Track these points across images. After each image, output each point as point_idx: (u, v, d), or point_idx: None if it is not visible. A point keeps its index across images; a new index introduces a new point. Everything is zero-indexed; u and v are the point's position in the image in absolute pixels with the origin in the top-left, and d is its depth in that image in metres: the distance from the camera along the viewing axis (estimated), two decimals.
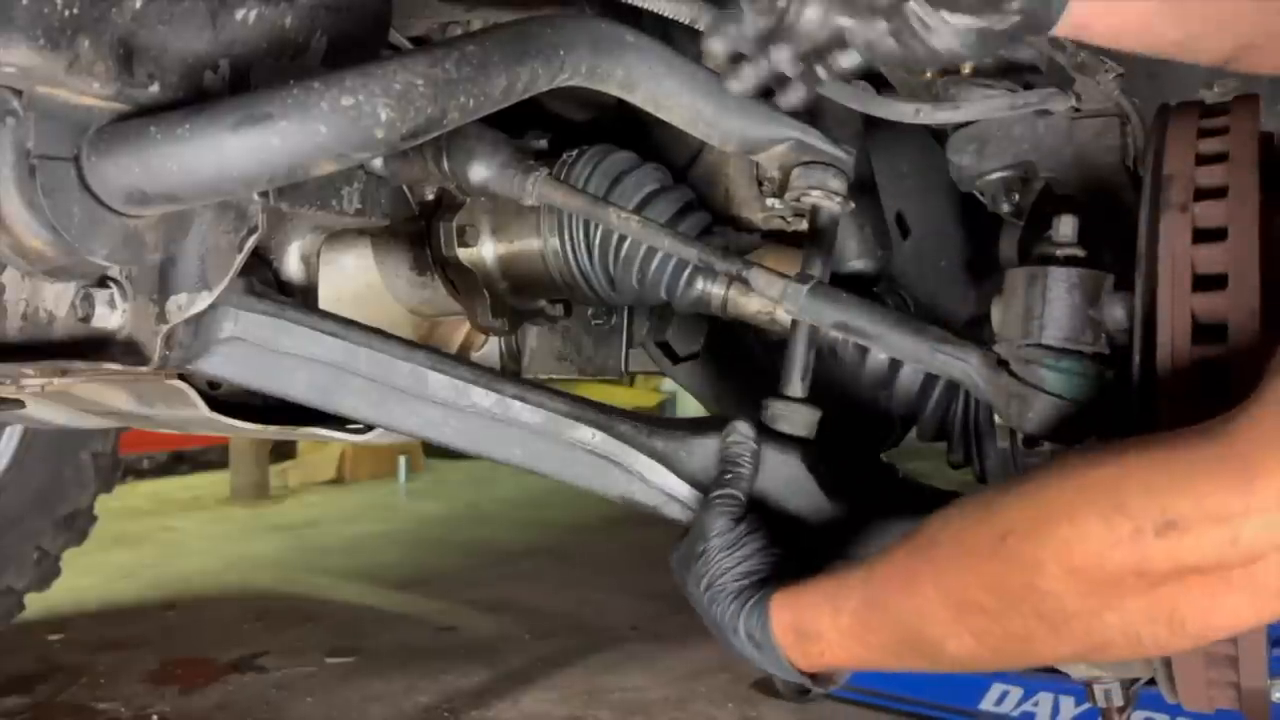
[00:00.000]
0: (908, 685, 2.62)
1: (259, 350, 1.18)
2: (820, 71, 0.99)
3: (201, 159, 0.90)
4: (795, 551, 1.16)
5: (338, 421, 1.48)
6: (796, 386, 1.26)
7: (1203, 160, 1.06)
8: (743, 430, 1.20)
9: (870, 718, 2.63)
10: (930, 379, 1.41)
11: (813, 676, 1.09)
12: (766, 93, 1.36)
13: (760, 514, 1.18)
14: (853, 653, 1.03)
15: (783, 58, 0.99)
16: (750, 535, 1.14)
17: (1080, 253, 1.08)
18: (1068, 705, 2.42)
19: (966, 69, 1.28)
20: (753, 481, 1.19)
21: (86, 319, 1.07)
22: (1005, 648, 0.92)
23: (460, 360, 1.25)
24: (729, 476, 1.18)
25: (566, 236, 1.47)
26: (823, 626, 1.04)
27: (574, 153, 1.47)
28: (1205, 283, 1.00)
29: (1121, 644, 0.88)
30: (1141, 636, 0.86)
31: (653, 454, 1.23)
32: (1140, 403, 1.02)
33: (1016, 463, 1.34)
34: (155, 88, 1.01)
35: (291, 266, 1.46)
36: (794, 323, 1.26)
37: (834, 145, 1.29)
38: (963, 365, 1.12)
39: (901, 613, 0.98)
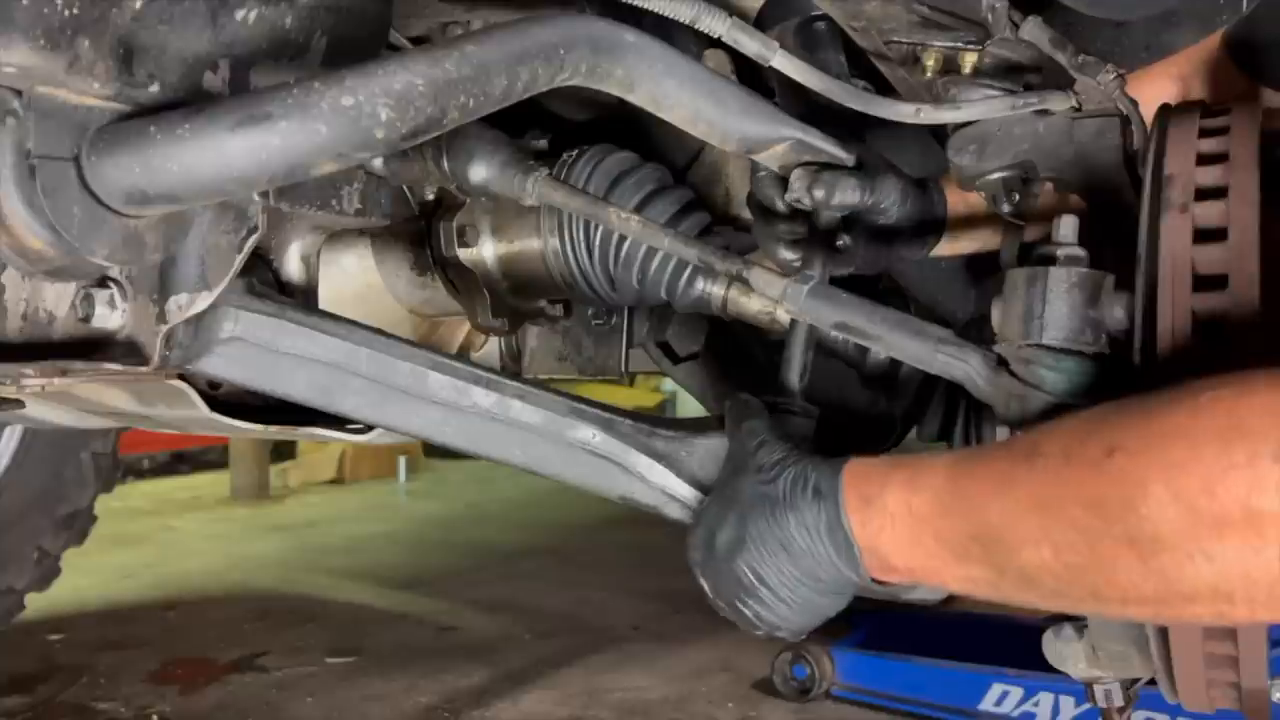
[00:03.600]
0: (908, 685, 2.62)
1: (259, 350, 1.18)
2: None
3: (201, 159, 0.90)
4: None
5: (338, 421, 1.48)
6: (795, 386, 1.26)
7: (1203, 160, 1.06)
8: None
9: (870, 717, 2.63)
10: (930, 379, 1.41)
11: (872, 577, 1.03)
12: (767, 91, 1.37)
13: None
14: (915, 539, 0.97)
15: None
16: (759, 414, 1.14)
17: (1080, 253, 1.08)
18: (1068, 705, 2.42)
19: (966, 69, 1.28)
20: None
21: (86, 319, 1.07)
22: (1084, 568, 0.87)
23: (460, 360, 1.25)
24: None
25: (566, 236, 1.47)
26: (891, 501, 0.99)
27: (574, 153, 1.48)
28: (1205, 283, 1.00)
29: (1208, 599, 0.81)
30: (1234, 595, 0.80)
31: (653, 454, 1.23)
32: None
33: None
34: (155, 88, 1.01)
35: (292, 266, 1.46)
36: (792, 322, 1.26)
37: (835, 144, 1.29)
38: (963, 366, 1.12)
39: (985, 509, 0.93)
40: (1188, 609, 0.84)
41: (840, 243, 1.31)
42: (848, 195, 1.27)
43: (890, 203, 1.32)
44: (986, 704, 2.51)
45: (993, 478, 0.94)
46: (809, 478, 1.04)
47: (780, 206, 1.31)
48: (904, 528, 0.98)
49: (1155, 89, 1.31)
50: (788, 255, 1.32)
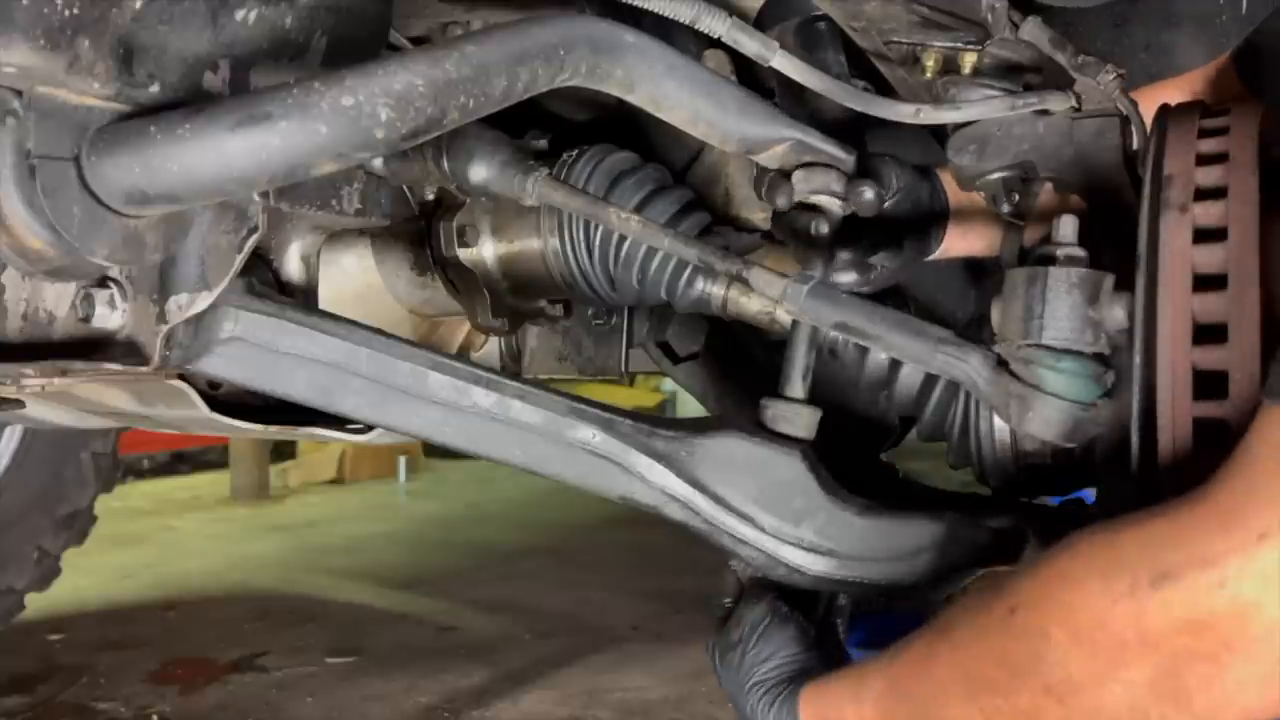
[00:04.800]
0: None
1: (259, 350, 1.18)
2: None
3: (201, 159, 0.90)
4: (828, 630, 1.23)
5: (338, 421, 1.48)
6: (797, 387, 1.26)
7: (1203, 160, 1.06)
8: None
9: None
10: (930, 379, 1.41)
11: None
12: (767, 93, 1.37)
13: (795, 601, 1.23)
14: None
15: None
16: (783, 626, 1.19)
17: (1080, 253, 1.08)
18: None
19: (966, 69, 1.28)
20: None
21: (87, 319, 1.07)
22: None
23: (460, 360, 1.25)
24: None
25: (566, 236, 1.47)
26: (847, 717, 1.07)
27: (574, 153, 1.47)
28: (1205, 283, 1.00)
29: None
30: (1150, 716, 0.85)
31: (653, 454, 1.23)
32: (1141, 400, 1.02)
33: (1017, 463, 1.35)
34: (155, 88, 1.01)
35: (292, 266, 1.46)
36: (794, 323, 1.26)
37: (835, 145, 1.29)
38: (963, 366, 1.12)
39: (920, 696, 0.99)
40: None
41: (877, 256, 1.35)
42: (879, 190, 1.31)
43: (897, 186, 1.35)
44: None
45: (917, 663, 1.01)
46: (772, 712, 1.13)
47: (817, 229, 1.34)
48: None
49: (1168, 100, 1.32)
50: (848, 277, 1.35)
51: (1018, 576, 0.94)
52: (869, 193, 1.31)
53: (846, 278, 1.35)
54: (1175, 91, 1.33)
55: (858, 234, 1.36)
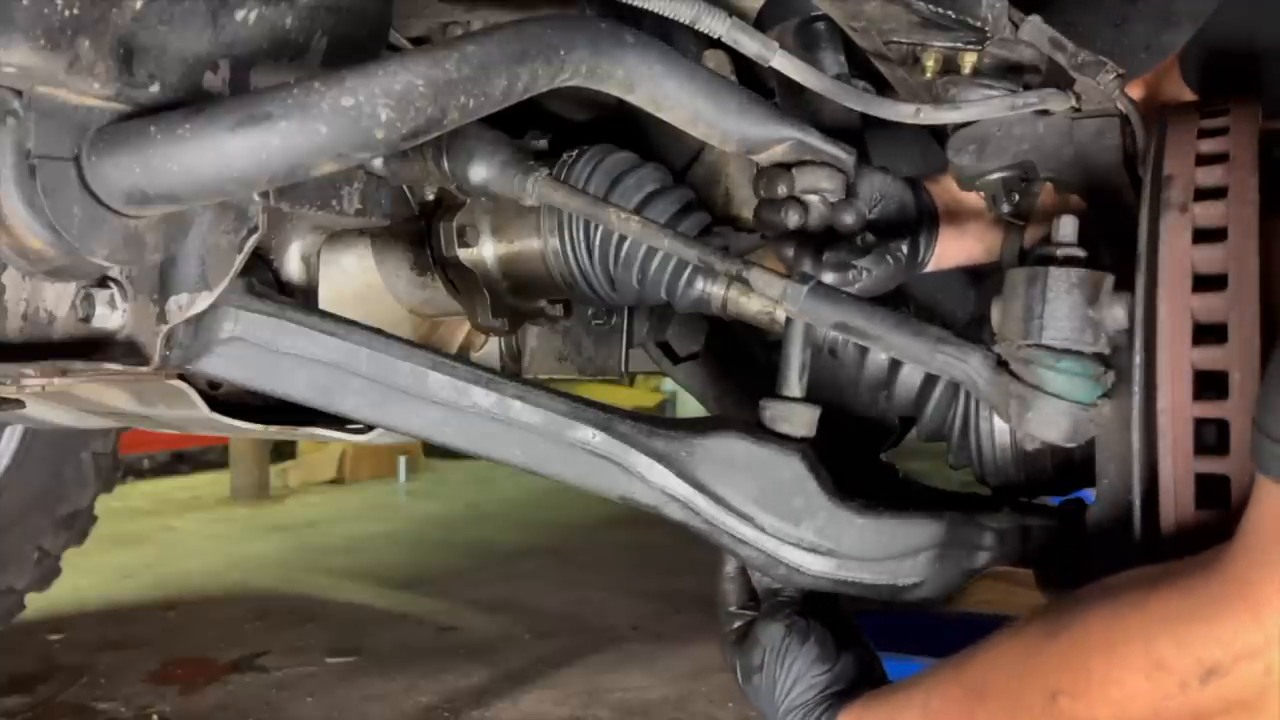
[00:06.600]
0: None
1: (259, 350, 1.18)
2: None
3: (201, 159, 0.90)
4: (849, 631, 1.24)
5: (338, 421, 1.48)
6: (794, 386, 1.26)
7: (1203, 160, 1.06)
8: None
9: None
10: (930, 379, 1.41)
11: None
12: (767, 93, 1.37)
13: (815, 612, 1.24)
14: None
15: None
16: (804, 644, 1.20)
17: (1080, 253, 1.08)
18: None
19: (966, 69, 1.28)
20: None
21: (87, 319, 1.07)
22: None
23: (460, 360, 1.25)
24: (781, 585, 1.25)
25: (567, 237, 1.47)
26: None
27: (574, 153, 1.47)
28: (1205, 283, 1.00)
29: None
30: None
31: (653, 454, 1.23)
32: (1142, 400, 1.02)
33: (1017, 463, 1.35)
34: (155, 88, 1.01)
35: (292, 267, 1.46)
36: (788, 322, 1.26)
37: (834, 145, 1.29)
38: (963, 366, 1.12)
39: None
40: None
41: (862, 260, 1.35)
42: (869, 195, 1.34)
43: (881, 195, 1.35)
44: None
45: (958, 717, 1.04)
46: None
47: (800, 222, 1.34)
48: None
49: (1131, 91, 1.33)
50: (827, 278, 1.35)
51: (1049, 654, 0.96)
52: (849, 218, 1.32)
53: (825, 278, 1.34)
54: (1132, 87, 1.35)
55: (843, 237, 1.36)
